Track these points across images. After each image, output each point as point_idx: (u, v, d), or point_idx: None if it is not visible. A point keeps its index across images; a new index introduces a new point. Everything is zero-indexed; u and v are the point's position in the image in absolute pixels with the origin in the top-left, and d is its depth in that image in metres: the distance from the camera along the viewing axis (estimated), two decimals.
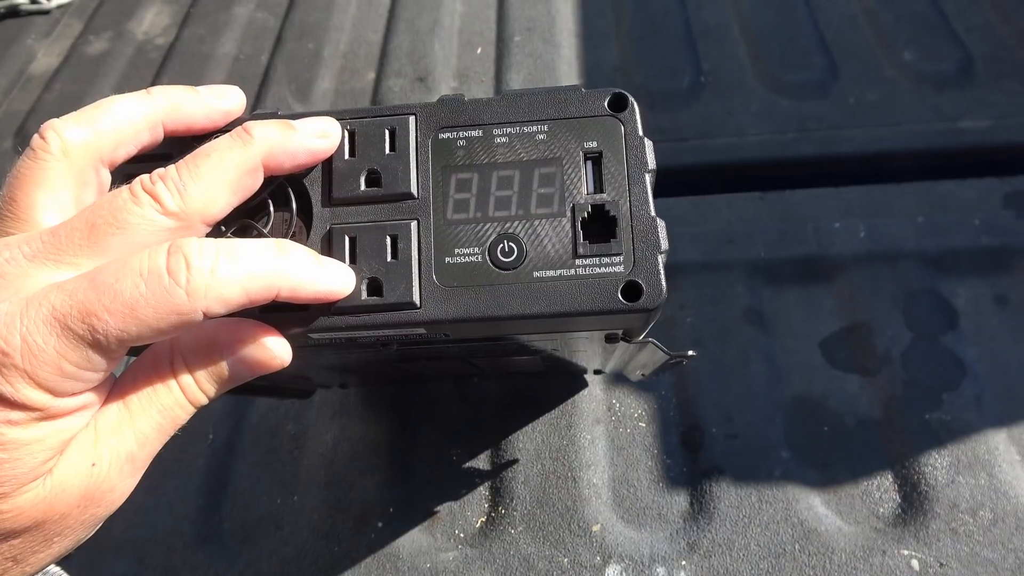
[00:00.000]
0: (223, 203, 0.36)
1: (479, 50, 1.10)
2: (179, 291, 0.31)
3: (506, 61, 1.06)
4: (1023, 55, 0.96)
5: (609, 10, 1.12)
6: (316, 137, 0.38)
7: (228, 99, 0.40)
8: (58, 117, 0.37)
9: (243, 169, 0.36)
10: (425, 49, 1.10)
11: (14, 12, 1.32)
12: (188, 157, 0.36)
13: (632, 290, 0.37)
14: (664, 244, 0.38)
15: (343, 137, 0.40)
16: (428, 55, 1.09)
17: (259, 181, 0.37)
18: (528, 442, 0.71)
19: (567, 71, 1.04)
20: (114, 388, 0.35)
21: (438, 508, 0.69)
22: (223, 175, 0.35)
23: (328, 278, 0.36)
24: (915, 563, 0.61)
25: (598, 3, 1.14)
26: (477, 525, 0.68)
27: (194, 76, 1.13)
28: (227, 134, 0.37)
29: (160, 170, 0.35)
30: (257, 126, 0.37)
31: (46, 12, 1.32)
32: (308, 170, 0.40)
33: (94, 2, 1.32)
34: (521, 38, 1.09)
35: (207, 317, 0.32)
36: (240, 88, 0.42)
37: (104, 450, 0.33)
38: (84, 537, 0.36)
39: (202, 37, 1.20)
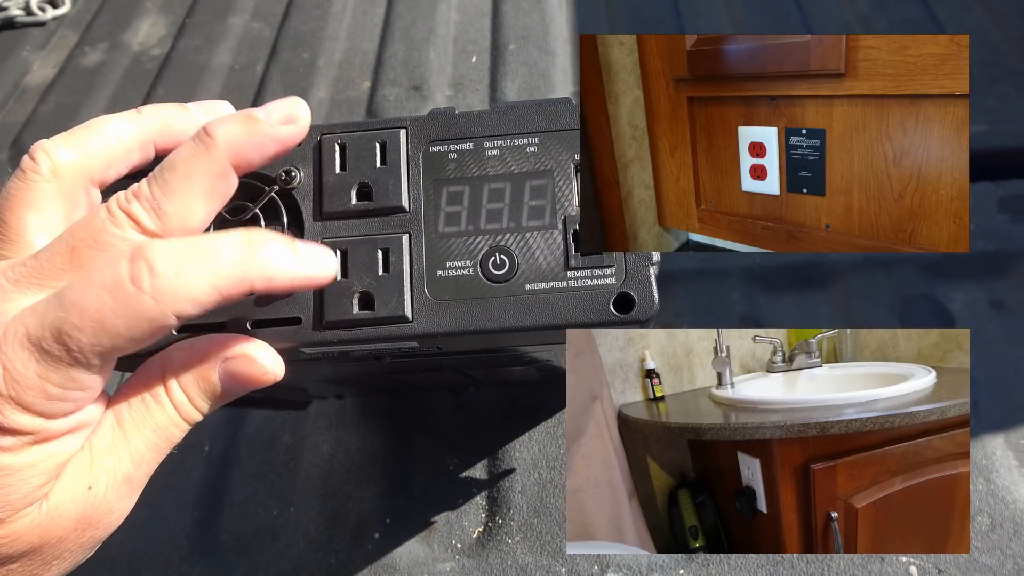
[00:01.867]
0: (202, 214, 0.35)
1: (474, 58, 1.10)
2: (144, 298, 0.30)
3: (501, 69, 1.06)
4: (1016, 60, 0.96)
5: (603, 18, 1.12)
6: (282, 124, 0.37)
7: (218, 115, 0.40)
8: (53, 129, 0.37)
9: (212, 176, 0.35)
10: (420, 58, 1.10)
11: (9, 24, 1.32)
12: (156, 170, 0.35)
13: (624, 302, 0.37)
14: (656, 255, 0.38)
15: (335, 151, 0.40)
16: (423, 64, 1.09)
17: (233, 183, 0.36)
18: (525, 451, 0.71)
19: (562, 79, 1.04)
20: (108, 409, 0.35)
21: (435, 519, 0.69)
22: (194, 186, 0.35)
23: (305, 265, 0.35)
24: (913, 569, 0.61)
25: (593, 11, 1.14)
26: (474, 535, 0.67)
27: (190, 87, 1.13)
28: (190, 139, 0.36)
29: (134, 186, 0.35)
30: (218, 125, 0.36)
31: (42, 24, 1.32)
32: (300, 182, 0.40)
33: (89, 13, 1.32)
34: (516, 46, 1.09)
35: (181, 319, 0.31)
36: (234, 99, 0.42)
37: (100, 472, 0.33)
38: (82, 559, 0.36)
39: (198, 48, 1.21)
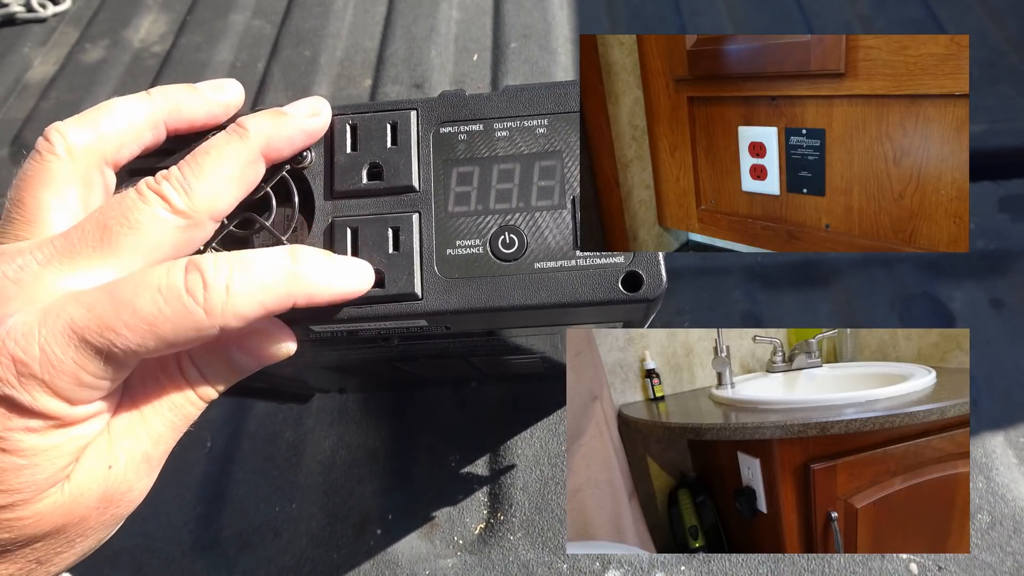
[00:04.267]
0: (229, 198, 0.37)
1: (475, 57, 1.10)
2: (198, 309, 0.31)
3: (502, 67, 1.06)
4: (1016, 60, 0.96)
5: (604, 16, 1.12)
6: (308, 117, 0.39)
7: (226, 92, 0.41)
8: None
9: (244, 162, 0.37)
10: (422, 56, 1.11)
11: (10, 20, 1.32)
12: (189, 156, 0.36)
13: (633, 280, 0.37)
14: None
15: (346, 131, 0.40)
16: (424, 62, 1.10)
17: (261, 172, 0.38)
18: (527, 448, 0.71)
19: (563, 77, 1.04)
20: (125, 390, 0.35)
21: (436, 515, 0.69)
22: (225, 170, 0.36)
23: (343, 279, 0.36)
24: (914, 567, 0.61)
25: (594, 9, 1.14)
26: (476, 532, 0.68)
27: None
28: (224, 130, 0.38)
29: (164, 171, 0.36)
30: (251, 119, 0.38)
31: (42, 20, 1.32)
32: (311, 162, 0.40)
33: (90, 10, 1.32)
34: (517, 44, 1.09)
35: (223, 332, 0.32)
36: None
37: (119, 452, 0.34)
38: (105, 536, 0.36)
39: (198, 45, 1.21)
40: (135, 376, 0.36)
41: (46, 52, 1.26)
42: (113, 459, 0.34)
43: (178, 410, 0.36)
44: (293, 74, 1.12)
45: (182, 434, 0.37)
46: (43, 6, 1.32)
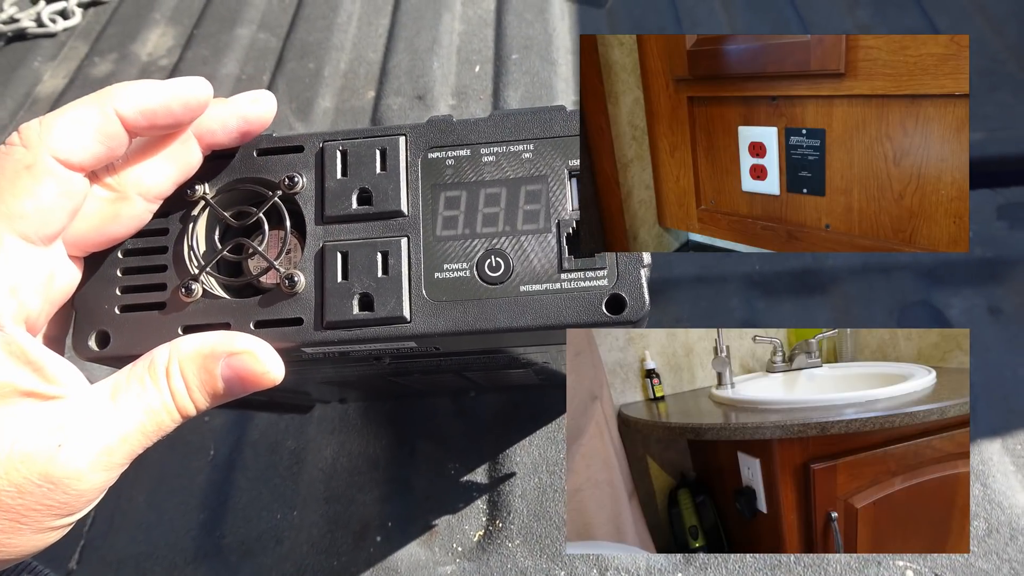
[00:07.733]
0: (158, 175, 0.38)
1: (477, 68, 1.11)
2: (15, 149, 0.34)
3: (504, 79, 1.07)
4: (1015, 68, 0.97)
5: (605, 28, 1.13)
6: (247, 103, 0.40)
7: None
8: None
9: (172, 139, 0.39)
10: (424, 68, 1.11)
11: (21, 35, 1.34)
12: None
13: (616, 303, 0.38)
14: (647, 258, 0.39)
15: (336, 157, 0.41)
16: (427, 73, 1.11)
17: (195, 152, 0.40)
18: (525, 455, 0.71)
19: (564, 88, 1.05)
20: (107, 380, 0.36)
21: (436, 522, 0.69)
22: (153, 150, 0.38)
23: (169, 84, 0.37)
24: (910, 574, 0.61)
25: (595, 21, 1.15)
26: (475, 539, 0.68)
27: None
28: None
29: None
30: None
31: (52, 35, 1.33)
32: (303, 188, 0.41)
33: (99, 25, 1.34)
34: (519, 56, 1.10)
35: (69, 164, 0.35)
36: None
37: (76, 434, 0.34)
38: (53, 525, 0.35)
39: (205, 58, 1.22)
40: (122, 371, 0.37)
41: (56, 66, 1.28)
42: (66, 439, 0.33)
43: (152, 415, 0.36)
44: (298, 86, 1.13)
45: (151, 443, 0.36)
46: (53, 21, 1.34)
